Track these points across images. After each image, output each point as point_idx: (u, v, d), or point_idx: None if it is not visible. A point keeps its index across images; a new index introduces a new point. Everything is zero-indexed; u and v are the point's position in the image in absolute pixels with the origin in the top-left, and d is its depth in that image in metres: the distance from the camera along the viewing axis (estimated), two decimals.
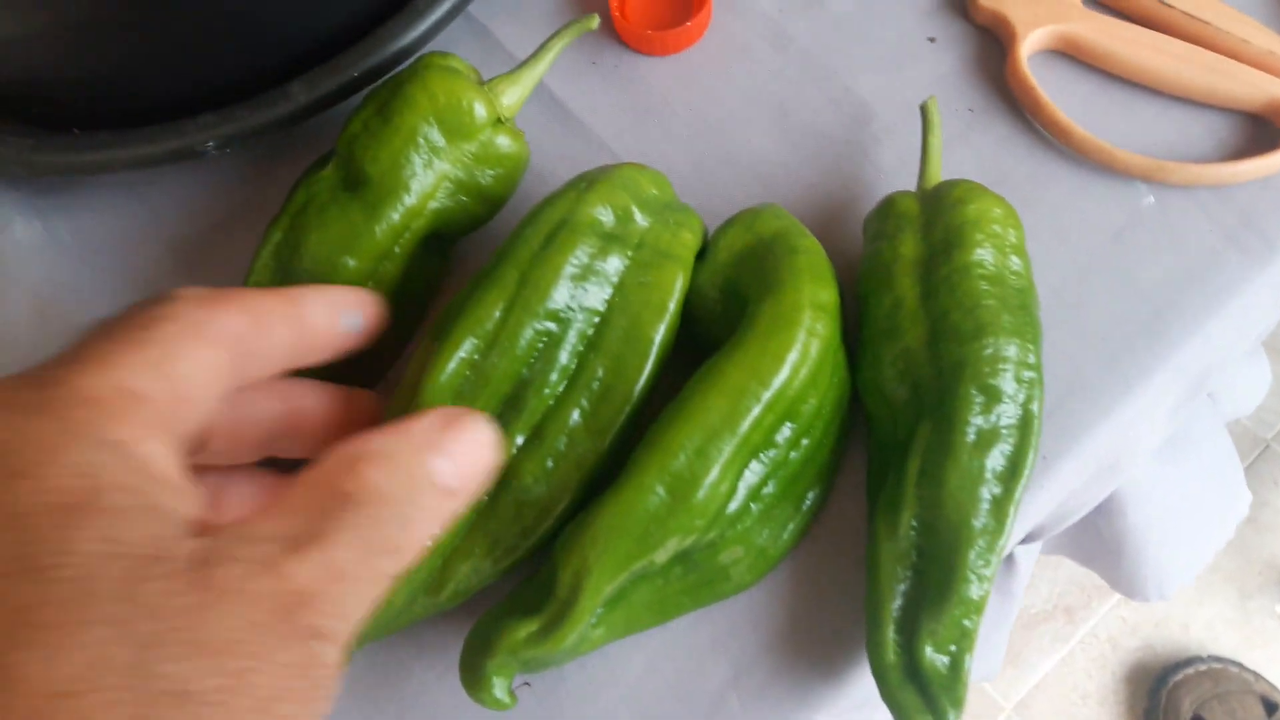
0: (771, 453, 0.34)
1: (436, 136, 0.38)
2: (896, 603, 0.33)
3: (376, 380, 0.41)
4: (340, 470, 0.25)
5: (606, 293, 0.36)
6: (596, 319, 0.35)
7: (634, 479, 0.32)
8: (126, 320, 0.26)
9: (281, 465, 0.35)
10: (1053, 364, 0.39)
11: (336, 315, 0.33)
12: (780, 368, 0.33)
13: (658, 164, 0.45)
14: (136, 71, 0.40)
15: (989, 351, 0.34)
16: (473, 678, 0.32)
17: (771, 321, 0.34)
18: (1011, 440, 0.34)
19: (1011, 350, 0.34)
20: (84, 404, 0.23)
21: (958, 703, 0.32)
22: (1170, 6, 0.45)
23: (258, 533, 0.23)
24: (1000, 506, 0.33)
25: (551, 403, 0.35)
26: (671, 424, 0.33)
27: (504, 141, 0.39)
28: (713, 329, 0.37)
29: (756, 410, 0.33)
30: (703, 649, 0.37)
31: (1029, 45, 0.45)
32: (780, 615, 0.37)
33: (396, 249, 0.39)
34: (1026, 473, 0.34)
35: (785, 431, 0.34)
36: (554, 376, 0.35)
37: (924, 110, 0.41)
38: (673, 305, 0.36)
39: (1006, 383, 0.34)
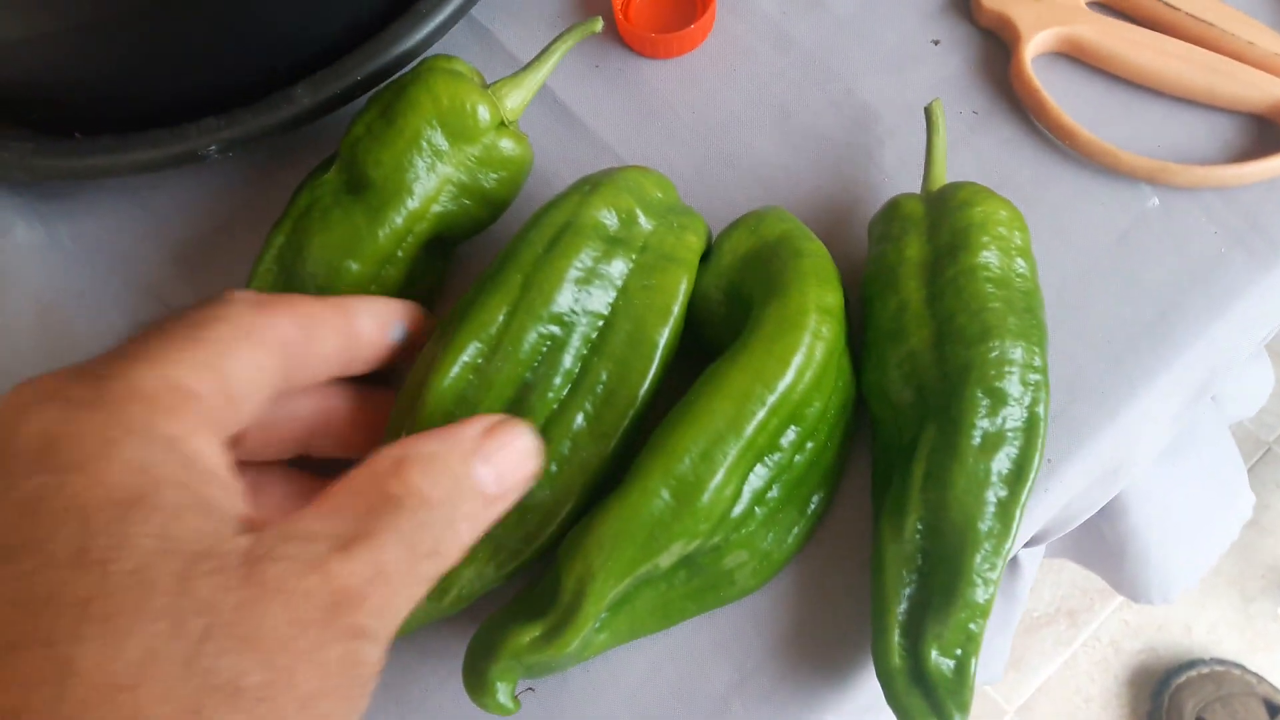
0: (776, 456, 0.34)
1: (440, 139, 0.38)
2: (902, 606, 0.33)
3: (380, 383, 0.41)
4: (386, 472, 0.26)
5: (610, 296, 0.35)
6: (600, 322, 0.35)
7: (638, 483, 0.32)
8: (179, 320, 0.27)
9: (310, 466, 0.35)
10: (1057, 367, 0.39)
11: (385, 326, 0.34)
12: (785, 371, 0.33)
13: (661, 167, 0.45)
14: (139, 75, 0.40)
15: (994, 354, 0.34)
16: (476, 682, 0.32)
17: (776, 325, 0.33)
18: (1017, 443, 0.34)
19: (1017, 353, 0.34)
20: (137, 399, 0.24)
21: (963, 706, 0.32)
22: (1174, 8, 0.45)
23: (306, 531, 0.24)
24: (1006, 510, 0.33)
25: (555, 407, 0.35)
26: (676, 428, 0.33)
27: (507, 145, 0.39)
28: (717, 332, 0.37)
29: (761, 414, 0.32)
30: (706, 653, 0.37)
31: (1033, 47, 0.45)
32: (784, 619, 0.37)
33: (399, 253, 0.38)
34: (1032, 476, 0.33)
35: (790, 435, 0.34)
36: (558, 380, 0.35)
37: (928, 112, 0.41)
38: (677, 308, 0.36)
39: (1012, 385, 0.34)
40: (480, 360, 0.34)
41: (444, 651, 0.37)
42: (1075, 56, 0.46)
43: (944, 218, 0.37)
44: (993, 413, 0.33)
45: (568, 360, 0.35)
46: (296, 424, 0.34)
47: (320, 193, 0.39)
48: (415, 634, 0.37)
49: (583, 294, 0.35)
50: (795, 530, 0.37)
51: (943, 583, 0.33)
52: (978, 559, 0.32)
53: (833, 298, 0.35)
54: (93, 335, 0.43)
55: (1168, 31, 0.45)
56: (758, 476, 0.34)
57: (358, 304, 0.33)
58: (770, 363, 0.33)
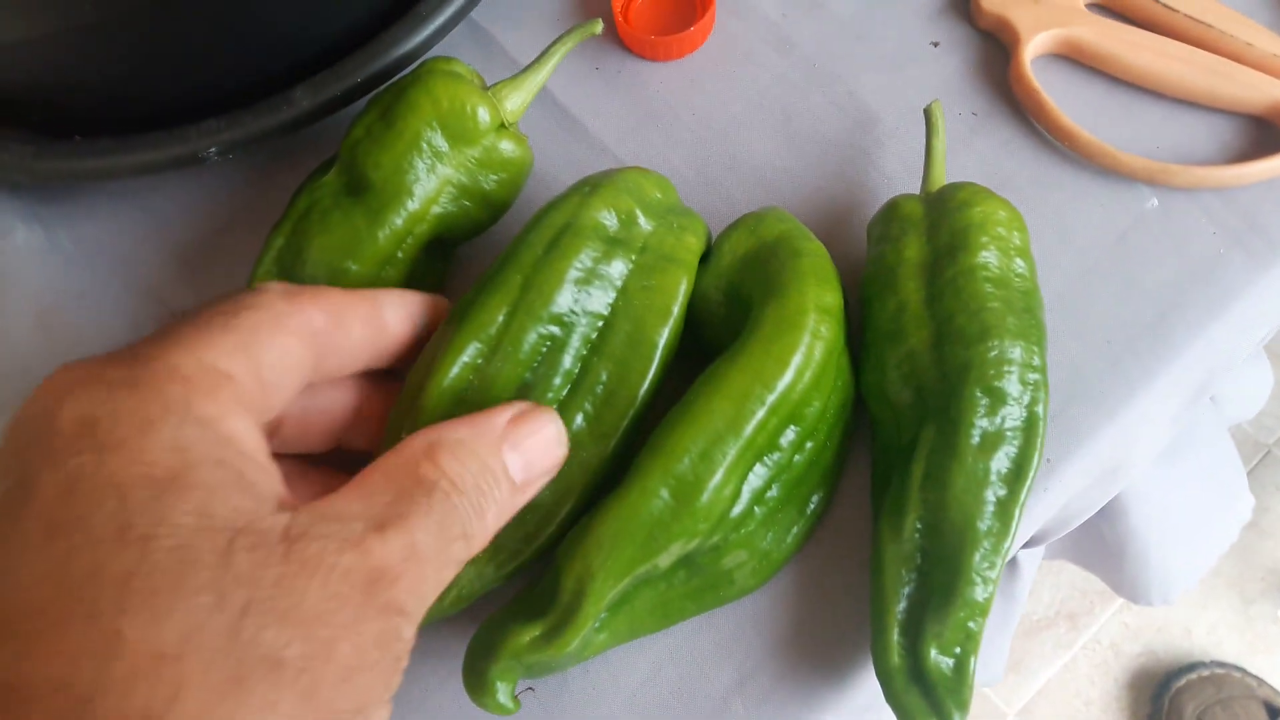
0: (775, 456, 0.34)
1: (440, 141, 0.38)
2: (901, 605, 0.33)
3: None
4: (418, 457, 0.27)
5: (610, 297, 0.35)
6: (600, 323, 0.35)
7: (637, 483, 0.32)
8: (212, 308, 0.28)
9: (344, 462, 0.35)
10: (1056, 367, 0.39)
11: (411, 317, 0.34)
12: (784, 371, 0.33)
13: (661, 168, 0.45)
14: (139, 77, 0.40)
15: (994, 354, 0.34)
16: (476, 682, 0.32)
17: (776, 325, 0.33)
18: (1016, 442, 0.34)
19: (1016, 353, 0.34)
20: (174, 381, 0.24)
21: (963, 705, 0.32)
22: (1173, 10, 0.45)
23: (342, 511, 0.25)
24: (1005, 509, 0.33)
25: (555, 407, 0.35)
26: (675, 427, 0.33)
27: (507, 146, 0.39)
28: (717, 333, 0.37)
29: (760, 413, 0.32)
30: (706, 654, 0.37)
31: (1032, 49, 0.45)
32: (784, 619, 0.37)
33: (399, 254, 0.38)
34: (1031, 475, 0.33)
35: (789, 435, 0.34)
36: (557, 381, 0.35)
37: (928, 114, 0.41)
38: (676, 309, 0.36)
39: (1011, 385, 0.34)
40: (480, 360, 0.34)
41: (444, 651, 0.37)
42: (1074, 58, 0.46)
43: (943, 218, 0.37)
44: (992, 412, 0.34)
45: (567, 361, 0.35)
46: (330, 416, 0.34)
47: (320, 194, 0.39)
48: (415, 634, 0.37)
49: (582, 294, 0.35)
50: (794, 530, 0.37)
51: (942, 582, 0.33)
52: (977, 558, 0.32)
53: (832, 297, 0.35)
54: (93, 337, 0.43)
55: (1166, 33, 0.45)
56: (757, 476, 0.34)
57: (385, 295, 0.34)
58: (769, 362, 0.33)
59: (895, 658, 0.33)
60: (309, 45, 0.41)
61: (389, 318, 0.34)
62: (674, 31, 0.47)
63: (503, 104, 0.39)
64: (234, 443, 0.25)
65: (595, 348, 0.35)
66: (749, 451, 0.33)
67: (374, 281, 0.38)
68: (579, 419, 0.35)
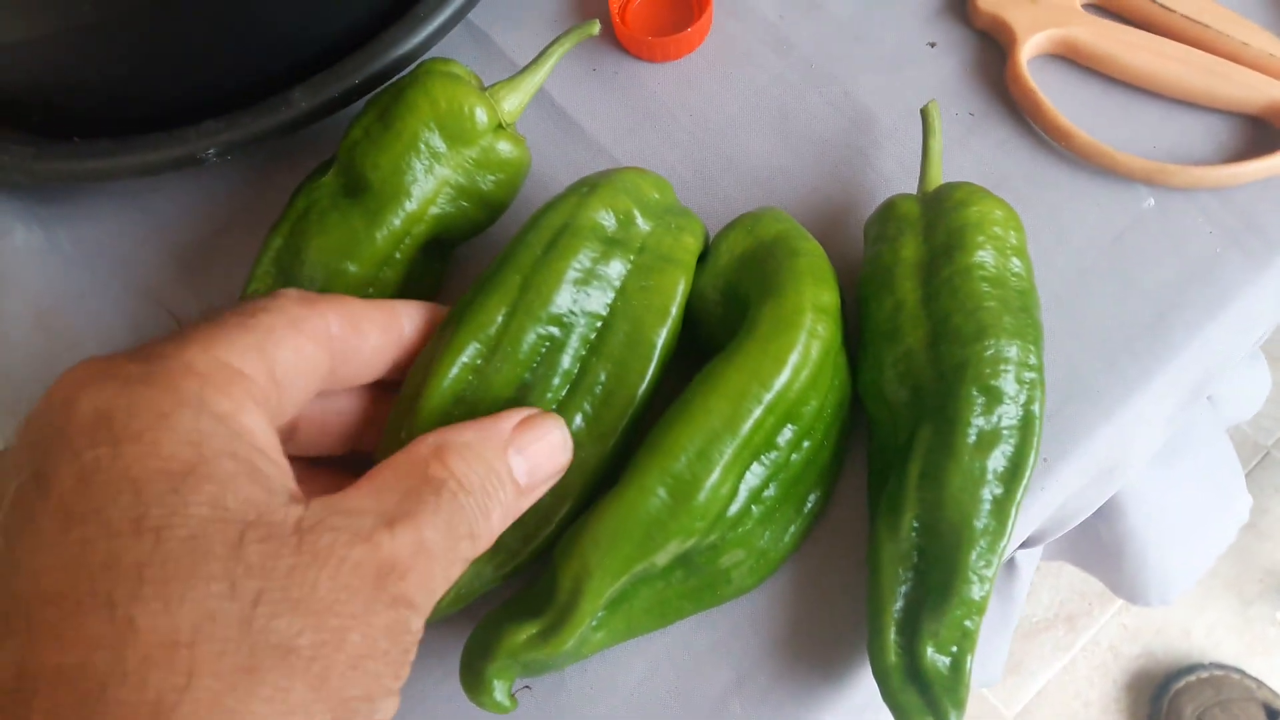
0: (773, 455, 0.34)
1: (437, 142, 0.38)
2: (898, 604, 0.33)
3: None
4: (427, 457, 0.28)
5: (609, 297, 0.35)
6: (599, 323, 0.35)
7: (635, 481, 0.32)
8: (229, 310, 0.28)
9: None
10: (1053, 366, 0.39)
11: (431, 326, 0.35)
12: (781, 370, 0.33)
13: (659, 169, 0.45)
14: (138, 77, 0.40)
15: (990, 353, 0.34)
16: (473, 680, 0.32)
17: (773, 324, 0.34)
18: (1013, 441, 0.34)
19: (1013, 351, 0.34)
20: (189, 376, 0.25)
21: (959, 704, 0.32)
22: (1169, 10, 0.45)
23: (353, 506, 0.25)
24: (1001, 507, 0.33)
25: (554, 408, 0.35)
26: (672, 426, 0.33)
27: (505, 147, 0.39)
28: (714, 332, 0.37)
29: (758, 412, 0.33)
30: (704, 653, 0.37)
31: (1029, 49, 0.45)
32: (782, 618, 0.37)
33: (397, 255, 0.39)
34: (1028, 473, 0.34)
35: (786, 434, 0.34)
36: (556, 381, 0.35)
37: (924, 114, 0.41)
38: (675, 309, 0.36)
39: (1008, 384, 0.34)
40: (479, 361, 0.34)
41: (442, 651, 0.37)
42: (1071, 58, 0.46)
43: (940, 218, 0.37)
44: (988, 411, 0.34)
45: (566, 361, 0.35)
46: (347, 418, 0.35)
47: (318, 195, 0.39)
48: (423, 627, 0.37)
49: (581, 295, 0.35)
50: (792, 529, 0.37)
51: (938, 580, 0.33)
52: (973, 556, 0.32)
53: (829, 297, 0.35)
54: (92, 338, 0.43)
55: (1163, 33, 0.45)
56: (754, 475, 0.34)
57: (403, 304, 0.35)
58: (766, 361, 0.33)
59: (892, 656, 0.33)
60: (308, 46, 0.42)
61: (407, 327, 0.34)
62: (671, 32, 0.47)
63: (500, 105, 0.39)
64: (247, 437, 0.25)
65: (594, 348, 0.35)
66: (746, 450, 0.33)
67: (372, 282, 0.38)
68: (578, 419, 0.35)
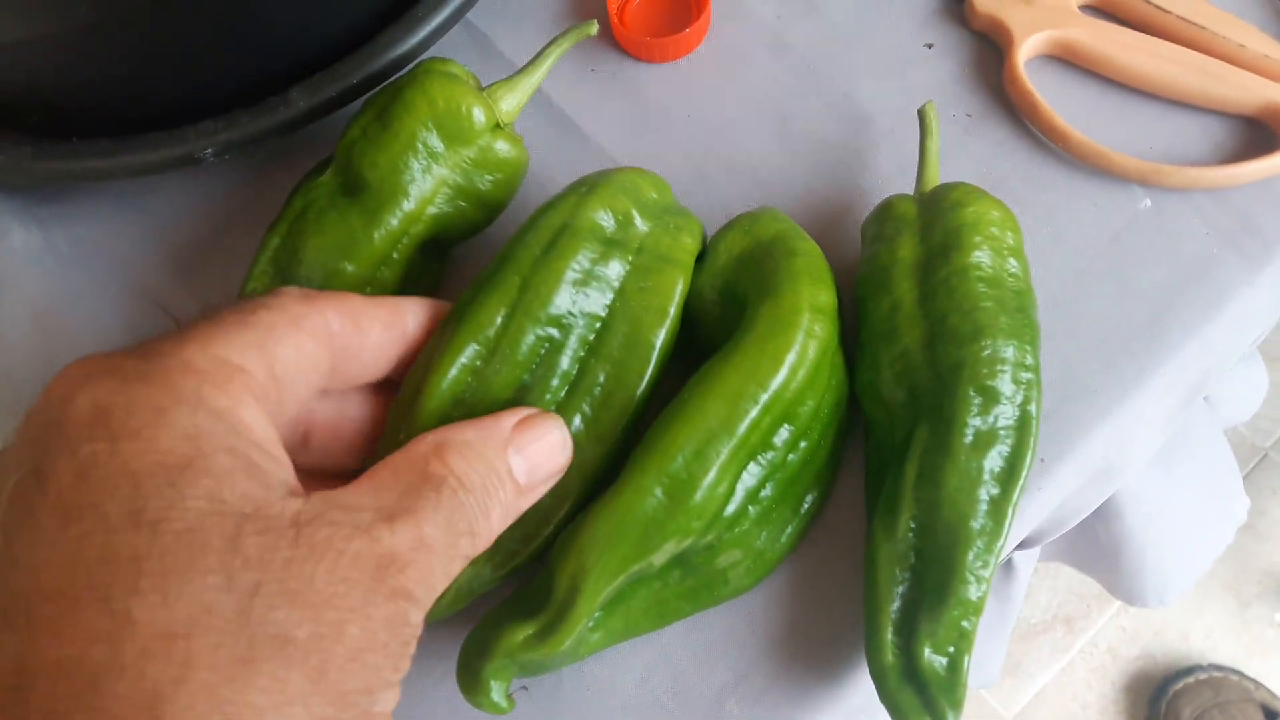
0: (769, 455, 0.34)
1: (435, 142, 0.38)
2: (895, 604, 0.33)
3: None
4: (427, 455, 0.28)
5: (607, 297, 0.36)
6: (598, 324, 0.35)
7: (632, 481, 0.32)
8: (230, 308, 0.28)
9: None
10: (1050, 367, 0.39)
11: (435, 323, 0.35)
12: (778, 370, 0.33)
13: (656, 169, 0.44)
14: (137, 77, 0.40)
15: (987, 353, 0.34)
16: (470, 681, 0.32)
17: (770, 324, 0.34)
18: (1009, 441, 0.34)
19: (1009, 352, 0.34)
20: (187, 373, 0.25)
21: (956, 704, 0.32)
22: (1166, 11, 0.45)
23: (352, 501, 0.25)
24: (998, 507, 0.33)
25: (553, 409, 0.35)
26: (669, 426, 0.33)
27: (503, 147, 0.39)
28: (712, 332, 0.37)
29: (754, 412, 0.33)
30: (701, 653, 0.37)
31: (1026, 51, 0.45)
32: (779, 619, 0.37)
33: (395, 255, 0.39)
34: (1024, 473, 0.34)
35: (783, 434, 0.34)
36: (555, 382, 0.35)
37: (922, 115, 0.41)
38: (673, 310, 0.36)
39: (1004, 384, 0.34)
40: (478, 362, 0.34)
41: (440, 651, 0.37)
42: (1067, 59, 0.46)
43: (936, 218, 0.37)
44: (985, 411, 0.34)
45: (565, 362, 0.35)
46: (358, 425, 0.35)
47: (316, 195, 0.39)
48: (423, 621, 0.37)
49: (580, 296, 0.35)
50: (789, 529, 0.37)
51: (935, 581, 0.33)
52: (970, 556, 0.32)
53: (826, 297, 0.35)
54: (89, 339, 0.43)
55: (1159, 34, 0.45)
56: (751, 475, 0.34)
57: (406, 301, 0.35)
58: (763, 361, 0.33)
59: (889, 657, 0.33)
60: (306, 46, 0.42)
61: (411, 323, 0.34)
62: (670, 33, 0.47)
63: (498, 104, 0.39)
64: (245, 432, 0.25)
65: (593, 349, 0.35)
66: (743, 450, 0.33)
67: (370, 282, 0.38)
68: (577, 420, 0.35)
